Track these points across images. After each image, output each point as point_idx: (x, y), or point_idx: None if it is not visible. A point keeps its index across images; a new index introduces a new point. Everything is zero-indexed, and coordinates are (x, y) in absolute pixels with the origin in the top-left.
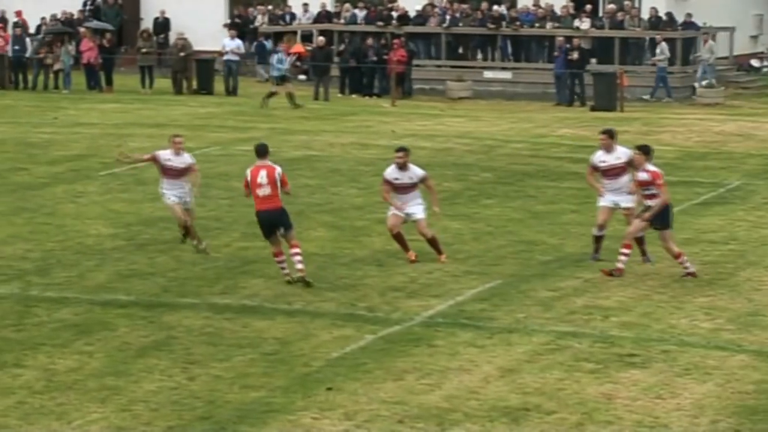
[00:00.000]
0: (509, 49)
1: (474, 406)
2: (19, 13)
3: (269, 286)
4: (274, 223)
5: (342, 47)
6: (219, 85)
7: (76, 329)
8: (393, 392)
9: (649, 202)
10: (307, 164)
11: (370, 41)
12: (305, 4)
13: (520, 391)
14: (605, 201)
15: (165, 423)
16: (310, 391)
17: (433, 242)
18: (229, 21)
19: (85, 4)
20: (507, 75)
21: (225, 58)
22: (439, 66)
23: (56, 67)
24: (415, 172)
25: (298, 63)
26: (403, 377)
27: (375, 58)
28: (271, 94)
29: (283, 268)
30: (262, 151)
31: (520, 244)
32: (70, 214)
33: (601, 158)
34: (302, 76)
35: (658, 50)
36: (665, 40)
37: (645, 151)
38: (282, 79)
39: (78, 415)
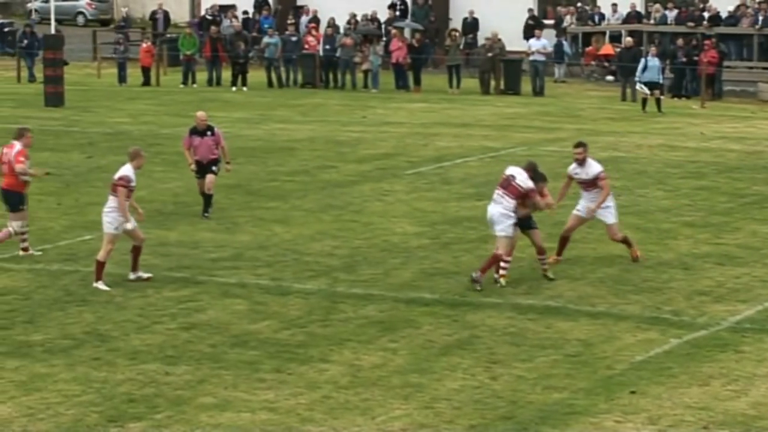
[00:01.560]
0: None
1: None
2: (306, 11)
3: (573, 287)
4: None
5: (651, 48)
6: (526, 85)
7: (381, 326)
8: (698, 398)
9: None
10: (613, 165)
11: (680, 42)
12: (614, 5)
13: None
14: None
15: (467, 421)
16: (613, 394)
17: (625, 242)
18: (532, 21)
19: (394, 5)
20: None
21: (531, 58)
22: (751, 68)
23: (364, 66)
24: (591, 169)
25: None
26: (708, 383)
27: (685, 59)
28: (646, 101)
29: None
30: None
31: None
32: (376, 212)
33: None
34: (609, 77)
35: None
36: None
37: None
38: (654, 85)
39: (381, 411)
